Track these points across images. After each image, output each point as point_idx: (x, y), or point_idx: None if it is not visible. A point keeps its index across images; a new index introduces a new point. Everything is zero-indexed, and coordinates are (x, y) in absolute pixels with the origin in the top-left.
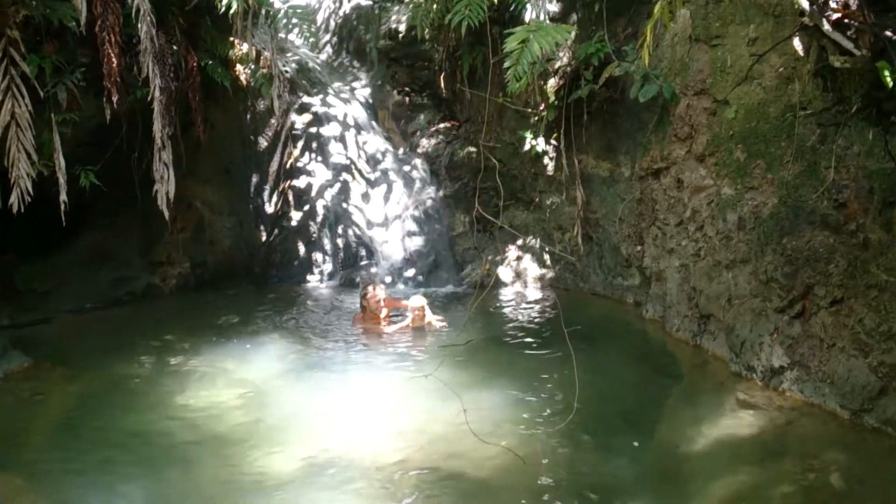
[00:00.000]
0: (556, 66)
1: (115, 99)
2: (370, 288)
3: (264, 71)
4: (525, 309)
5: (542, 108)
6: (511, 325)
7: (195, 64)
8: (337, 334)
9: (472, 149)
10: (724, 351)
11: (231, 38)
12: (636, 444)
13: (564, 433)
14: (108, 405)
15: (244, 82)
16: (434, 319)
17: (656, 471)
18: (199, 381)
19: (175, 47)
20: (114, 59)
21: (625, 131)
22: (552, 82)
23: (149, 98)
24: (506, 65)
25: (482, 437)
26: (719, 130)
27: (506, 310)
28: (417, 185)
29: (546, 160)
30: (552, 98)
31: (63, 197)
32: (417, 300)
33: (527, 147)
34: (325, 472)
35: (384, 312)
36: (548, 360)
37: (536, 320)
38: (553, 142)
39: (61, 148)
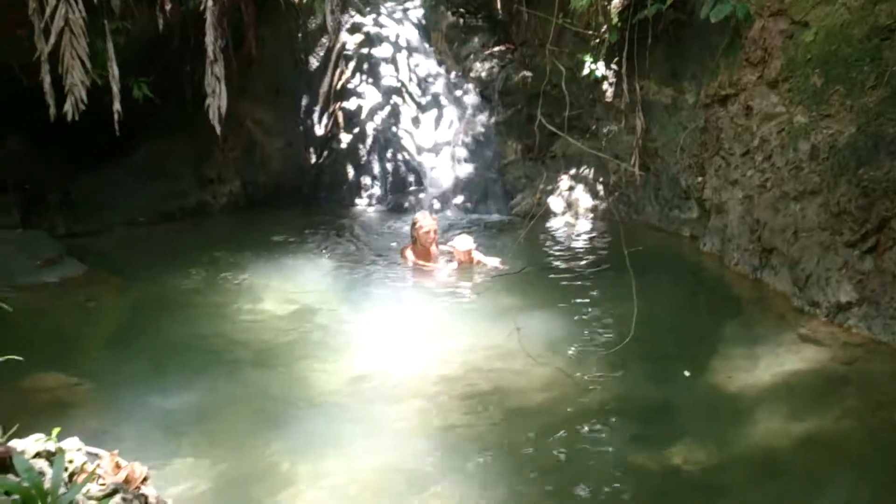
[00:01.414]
0: None
1: (167, 8)
2: (421, 218)
3: None
4: (577, 239)
5: (603, 29)
6: (563, 254)
7: None
8: (386, 257)
9: (528, 73)
10: (786, 286)
11: None
12: (688, 373)
13: (617, 358)
14: (160, 314)
15: None
16: (484, 259)
17: (709, 401)
18: (248, 294)
19: None
20: None
21: (691, 55)
22: (616, 2)
23: (201, 8)
24: None
25: (534, 357)
26: (795, 54)
27: (558, 239)
28: (469, 110)
29: (605, 86)
30: (615, 19)
31: (117, 106)
32: (464, 242)
33: (585, 71)
34: (372, 387)
35: (435, 247)
36: (602, 288)
37: (589, 250)
38: (613, 66)
39: (115, 58)
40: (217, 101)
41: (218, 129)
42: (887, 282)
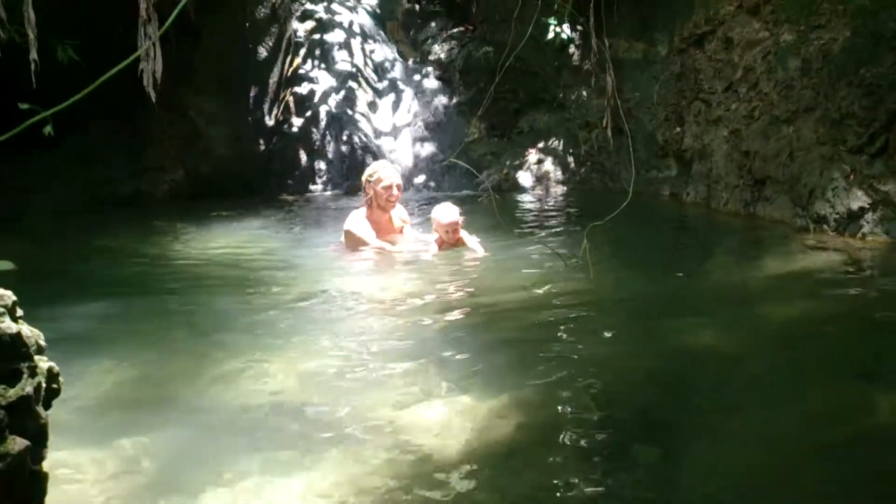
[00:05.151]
0: None
1: None
2: (381, 167)
3: None
4: (549, 210)
5: None
6: (536, 224)
7: None
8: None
9: (489, 48)
10: (784, 212)
11: None
12: (680, 274)
13: (604, 274)
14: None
15: None
16: (472, 240)
17: (702, 297)
18: (182, 246)
19: None
20: None
21: (661, 3)
22: None
23: None
24: None
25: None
26: None
27: (531, 211)
28: (428, 94)
29: (571, 49)
30: None
31: (33, 55)
32: (447, 212)
33: (550, 35)
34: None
35: (402, 212)
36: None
37: (562, 218)
38: (579, 27)
39: (35, 12)
40: (151, 64)
41: (152, 96)
42: None
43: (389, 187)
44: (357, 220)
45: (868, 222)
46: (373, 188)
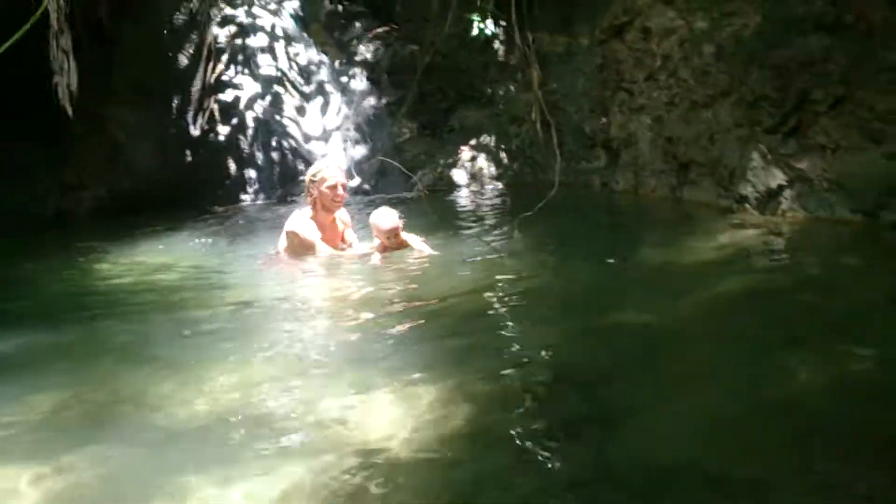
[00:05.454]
0: None
1: None
2: (325, 168)
3: None
4: (484, 205)
5: None
6: (472, 220)
7: None
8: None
9: (415, 46)
10: (710, 195)
11: None
12: (611, 260)
13: (542, 265)
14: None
15: None
16: (415, 242)
17: (637, 280)
18: (110, 263)
19: None
20: None
21: None
22: None
23: None
24: None
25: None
26: None
27: (465, 209)
28: (357, 95)
29: (496, 45)
30: None
31: None
32: (387, 218)
33: (475, 32)
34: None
35: (344, 214)
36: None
37: (498, 212)
38: (503, 23)
39: None
40: (66, 78)
41: (69, 111)
42: (816, 156)
43: (335, 187)
44: (301, 221)
45: (786, 199)
46: (317, 188)
